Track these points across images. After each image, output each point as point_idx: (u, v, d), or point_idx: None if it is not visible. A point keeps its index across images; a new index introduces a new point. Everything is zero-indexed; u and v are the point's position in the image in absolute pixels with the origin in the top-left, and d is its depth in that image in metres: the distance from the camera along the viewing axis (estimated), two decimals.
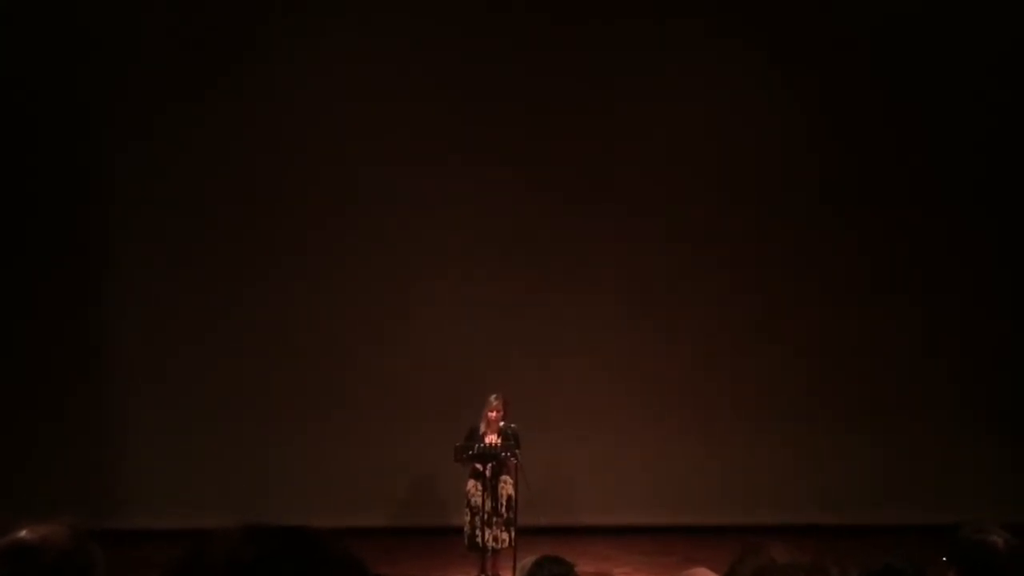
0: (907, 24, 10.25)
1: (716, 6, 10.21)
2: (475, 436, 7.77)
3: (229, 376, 9.74)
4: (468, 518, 7.79)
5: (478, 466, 7.77)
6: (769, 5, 10.25)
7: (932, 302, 10.31)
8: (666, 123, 10.09)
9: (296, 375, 9.83)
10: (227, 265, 9.90)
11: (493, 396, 7.81)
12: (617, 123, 10.10)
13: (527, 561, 3.65)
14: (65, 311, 9.80)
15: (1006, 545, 3.02)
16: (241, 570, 1.14)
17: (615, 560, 8.84)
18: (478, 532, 7.68)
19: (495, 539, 7.68)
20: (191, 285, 9.87)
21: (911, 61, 10.27)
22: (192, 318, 9.86)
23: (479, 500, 7.70)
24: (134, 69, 9.84)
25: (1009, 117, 10.30)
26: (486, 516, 7.67)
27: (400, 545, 8.78)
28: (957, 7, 10.29)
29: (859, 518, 9.62)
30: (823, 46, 10.24)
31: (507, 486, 7.75)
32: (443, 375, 9.63)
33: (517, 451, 7.63)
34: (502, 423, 7.72)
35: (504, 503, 7.72)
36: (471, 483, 7.82)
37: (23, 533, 2.04)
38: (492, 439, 7.71)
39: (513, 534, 7.69)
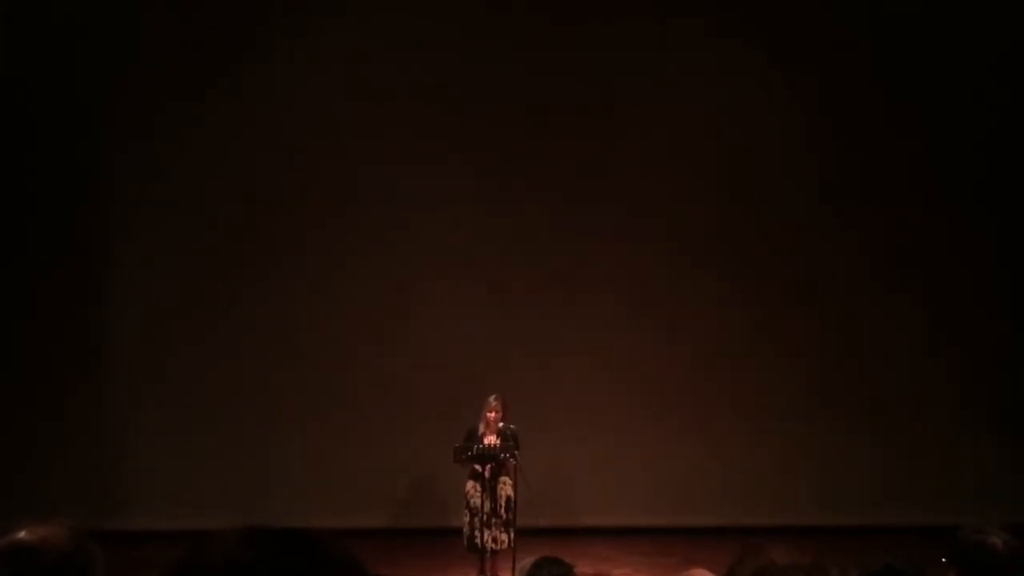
0: (907, 24, 10.25)
1: (716, 6, 10.21)
2: (474, 437, 7.76)
3: (229, 376, 9.74)
4: (467, 519, 7.79)
5: (477, 467, 7.76)
6: (769, 5, 10.25)
7: (932, 302, 10.31)
8: (666, 123, 10.09)
9: (296, 375, 9.83)
10: (227, 265, 9.90)
11: (492, 397, 7.80)
12: (617, 123, 10.10)
13: (526, 562, 3.65)
14: (65, 311, 9.80)
15: (1006, 546, 3.02)
16: (240, 571, 1.14)
17: (615, 561, 8.83)
18: (477, 533, 7.67)
19: (494, 540, 7.67)
20: (191, 285, 9.87)
21: (911, 61, 10.27)
22: (192, 318, 9.86)
23: (478, 501, 7.70)
24: (134, 69, 9.84)
25: (1009, 117, 10.30)
26: (485, 517, 7.66)
27: (399, 546, 8.78)
28: (957, 7, 10.29)
29: (859, 518, 9.62)
30: (823, 46, 10.24)
31: (506, 487, 7.74)
32: (443, 375, 9.63)
33: (516, 452, 7.62)
34: (501, 424, 7.71)
35: (503, 504, 7.71)
36: (470, 484, 7.82)
37: (23, 534, 2.04)
38: (491, 440, 7.70)
39: (512, 535, 7.68)
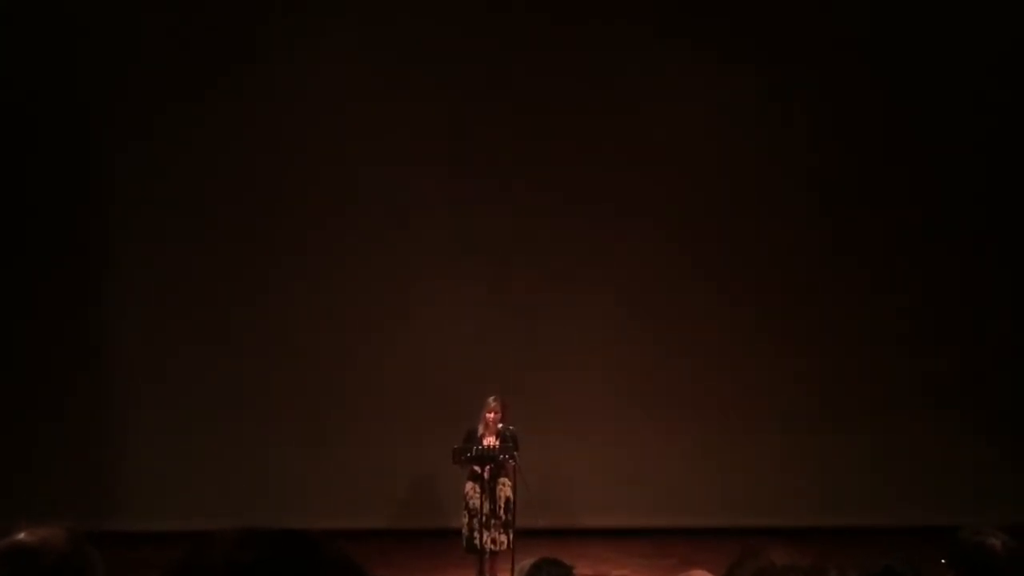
0: (907, 24, 10.24)
1: (716, 6, 10.21)
2: (473, 438, 7.75)
3: (229, 376, 9.74)
4: (466, 520, 7.78)
5: (476, 468, 7.75)
6: (769, 5, 10.25)
7: (932, 302, 10.30)
8: (666, 123, 10.08)
9: (296, 375, 9.83)
10: (227, 265, 9.90)
11: (491, 398, 7.79)
12: (617, 123, 10.10)
13: (525, 563, 3.65)
14: (65, 311, 9.80)
15: (1005, 547, 3.03)
16: (239, 572, 1.14)
17: (614, 562, 8.83)
18: (476, 534, 7.66)
19: (493, 541, 7.67)
20: (191, 285, 9.87)
21: (911, 61, 10.26)
22: (192, 318, 9.86)
23: (477, 502, 7.69)
24: (134, 69, 9.84)
25: (1009, 117, 10.30)
26: (484, 518, 7.65)
27: (398, 547, 8.79)
28: (957, 7, 10.29)
29: (859, 519, 9.61)
30: (823, 46, 10.24)
31: (505, 488, 7.73)
32: (443, 375, 9.62)
33: (515, 453, 7.61)
34: (500, 425, 7.70)
35: (502, 505, 7.70)
36: (469, 485, 7.81)
37: (21, 535, 2.04)
38: (490, 441, 7.69)
39: (511, 536, 7.67)
